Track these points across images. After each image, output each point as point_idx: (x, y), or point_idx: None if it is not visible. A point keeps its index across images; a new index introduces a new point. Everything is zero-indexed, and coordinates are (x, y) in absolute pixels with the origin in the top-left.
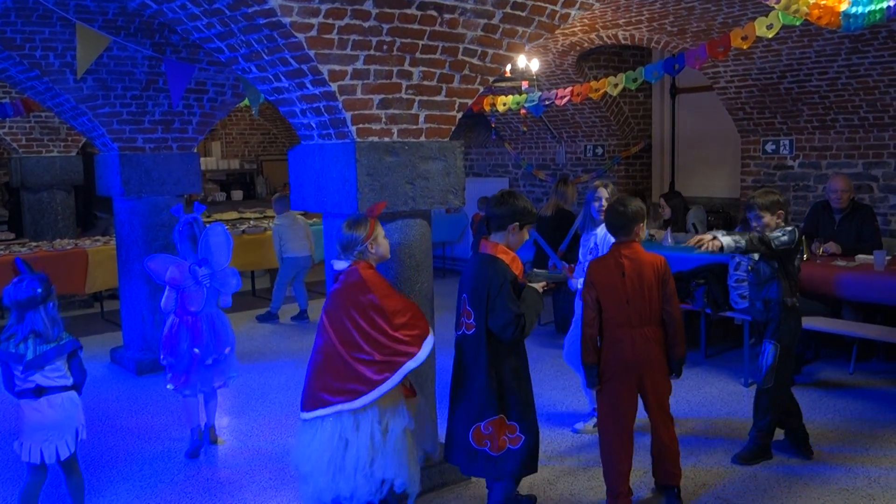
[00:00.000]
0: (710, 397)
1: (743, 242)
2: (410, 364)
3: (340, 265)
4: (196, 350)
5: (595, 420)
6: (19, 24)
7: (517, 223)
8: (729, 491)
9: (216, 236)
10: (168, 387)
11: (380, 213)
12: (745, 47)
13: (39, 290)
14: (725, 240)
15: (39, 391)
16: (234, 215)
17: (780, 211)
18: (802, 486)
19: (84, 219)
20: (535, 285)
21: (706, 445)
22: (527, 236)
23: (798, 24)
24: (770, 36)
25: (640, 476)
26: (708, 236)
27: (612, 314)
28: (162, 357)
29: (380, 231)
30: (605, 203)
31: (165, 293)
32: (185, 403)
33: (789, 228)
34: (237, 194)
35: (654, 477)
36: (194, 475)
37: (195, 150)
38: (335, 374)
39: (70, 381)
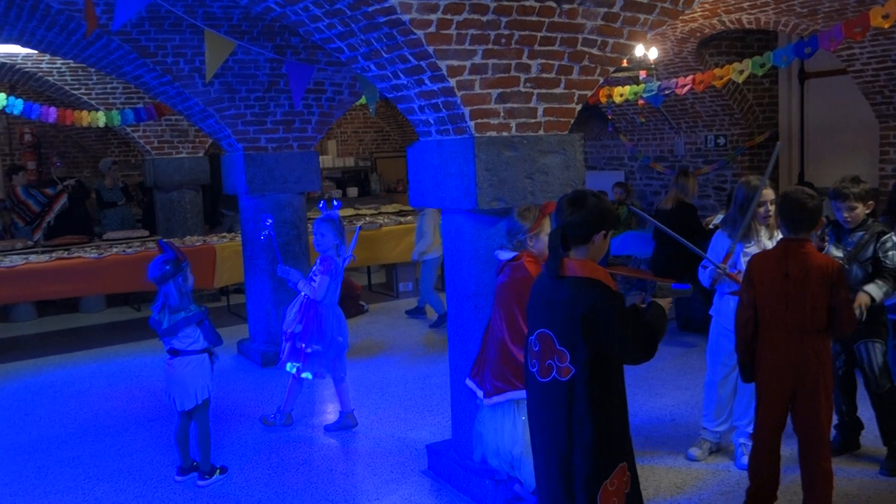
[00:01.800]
0: None
1: (886, 287)
2: None
3: (505, 255)
4: (340, 338)
5: (707, 442)
6: (153, 33)
7: (604, 230)
8: (873, 501)
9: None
10: (306, 375)
11: (552, 210)
12: (886, 26)
13: (168, 268)
14: (874, 291)
15: (175, 352)
16: (349, 212)
17: (871, 202)
18: None
19: (211, 217)
20: (661, 301)
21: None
22: (607, 246)
23: None
24: None
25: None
26: (864, 298)
27: (769, 316)
28: (305, 346)
29: (546, 227)
30: (770, 207)
31: (319, 280)
32: (341, 388)
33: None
34: (352, 191)
35: None
36: (318, 463)
37: (314, 149)
38: (509, 366)
39: (203, 345)
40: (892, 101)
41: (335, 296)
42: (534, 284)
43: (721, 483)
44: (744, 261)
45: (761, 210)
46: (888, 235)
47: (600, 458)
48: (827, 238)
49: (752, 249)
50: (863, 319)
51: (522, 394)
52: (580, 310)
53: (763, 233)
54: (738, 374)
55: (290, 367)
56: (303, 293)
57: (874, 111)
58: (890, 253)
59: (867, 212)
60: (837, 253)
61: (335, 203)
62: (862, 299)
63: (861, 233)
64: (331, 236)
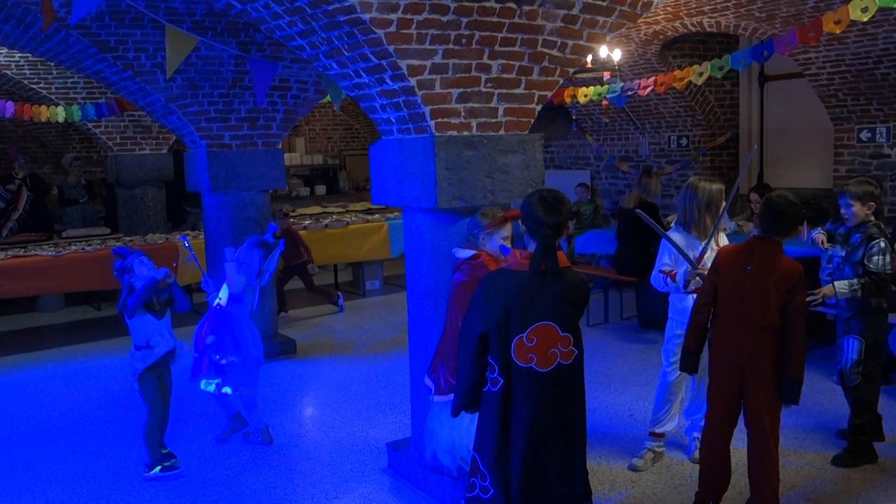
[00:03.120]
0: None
1: (857, 286)
2: None
3: (462, 253)
4: (255, 351)
5: (651, 452)
6: (113, 27)
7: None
8: (820, 493)
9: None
10: (225, 390)
11: (513, 217)
12: (838, 32)
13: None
14: (840, 286)
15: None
16: (317, 209)
17: (871, 203)
18: None
19: (174, 214)
20: None
21: (797, 445)
22: None
23: (895, 5)
24: (865, 19)
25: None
26: (828, 290)
27: (724, 308)
28: (220, 358)
29: (504, 233)
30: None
31: (228, 270)
32: (249, 403)
33: (883, 245)
34: (320, 189)
35: None
36: (277, 463)
37: (279, 146)
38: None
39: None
40: (846, 104)
41: (246, 308)
42: (504, 284)
43: (675, 476)
44: (708, 256)
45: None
46: (876, 241)
47: (584, 424)
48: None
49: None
50: (814, 305)
51: None
52: (580, 293)
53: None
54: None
55: (206, 385)
56: (214, 303)
57: (829, 114)
58: (875, 258)
59: (868, 212)
60: (840, 253)
61: (270, 227)
62: (826, 290)
63: (858, 235)
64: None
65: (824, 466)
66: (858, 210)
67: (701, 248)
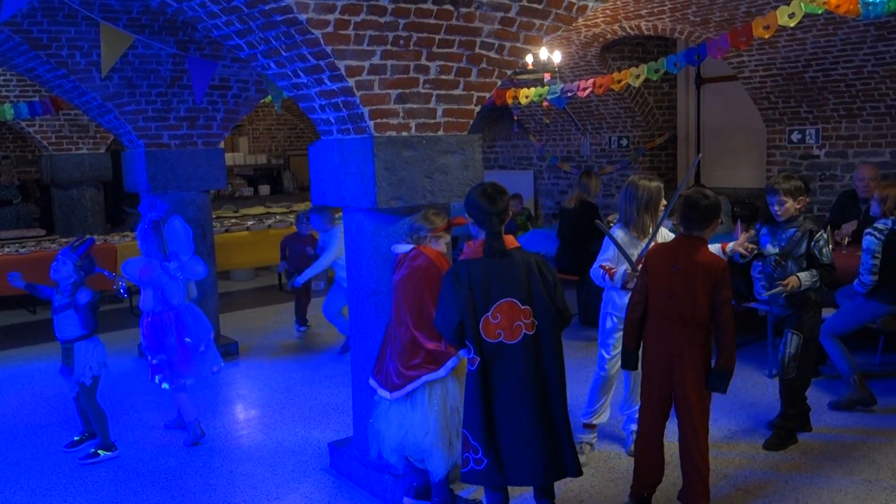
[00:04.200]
0: (733, 388)
1: (816, 277)
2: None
3: (402, 248)
4: (188, 339)
5: (588, 445)
6: (46, 24)
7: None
8: (749, 481)
9: (175, 230)
10: (163, 386)
11: (458, 224)
12: (766, 36)
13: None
14: (804, 277)
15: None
16: (261, 210)
17: (802, 197)
18: (825, 478)
19: (113, 215)
20: None
21: (729, 437)
22: None
23: (820, 12)
24: (792, 25)
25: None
26: (792, 280)
27: (655, 305)
28: (151, 358)
29: (445, 236)
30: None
31: (142, 294)
32: (181, 398)
33: (826, 237)
34: (264, 189)
35: (679, 498)
36: (218, 466)
37: (220, 146)
38: (419, 353)
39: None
40: (778, 106)
41: (164, 303)
42: (461, 273)
43: (612, 470)
44: None
45: (663, 213)
46: (820, 233)
47: (564, 390)
48: (756, 239)
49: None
50: (783, 296)
51: (438, 374)
52: (532, 268)
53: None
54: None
55: (157, 381)
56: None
57: (762, 116)
58: (824, 250)
59: (798, 207)
60: (773, 250)
61: (158, 205)
62: (792, 280)
63: (793, 230)
64: (149, 242)
65: (754, 457)
66: (790, 206)
67: (643, 247)
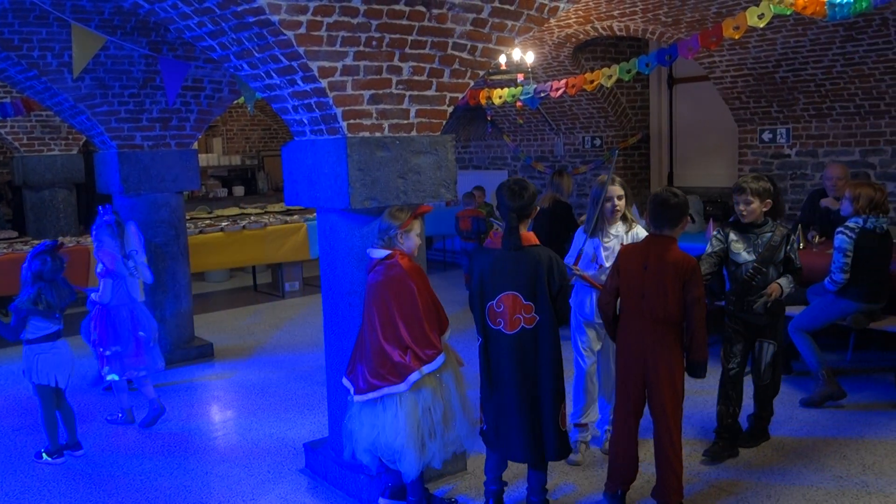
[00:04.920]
0: (706, 386)
1: (794, 283)
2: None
3: (377, 253)
4: (142, 333)
5: (583, 444)
6: (17, 25)
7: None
8: (723, 478)
9: (130, 234)
10: (112, 377)
11: (424, 212)
12: (736, 37)
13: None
14: (784, 284)
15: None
16: (235, 211)
17: (768, 200)
18: (796, 474)
19: (86, 216)
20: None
21: (703, 435)
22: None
23: (789, 13)
24: (761, 25)
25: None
26: (776, 288)
27: (627, 304)
28: (103, 349)
29: (416, 228)
30: (617, 202)
31: (102, 285)
32: (119, 387)
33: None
34: (238, 190)
35: (653, 495)
36: (193, 467)
37: (194, 147)
38: (384, 365)
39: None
40: (749, 106)
41: (125, 295)
42: (481, 260)
43: (587, 467)
44: (604, 254)
45: (608, 206)
46: (793, 237)
47: (557, 383)
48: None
49: (612, 244)
50: (767, 306)
51: (399, 388)
52: (543, 268)
53: (619, 227)
54: (600, 364)
55: (107, 375)
56: (92, 296)
57: (733, 115)
58: (796, 254)
59: (764, 209)
60: (749, 257)
61: (108, 208)
62: (774, 288)
63: (769, 234)
64: (108, 240)
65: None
66: (756, 206)
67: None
